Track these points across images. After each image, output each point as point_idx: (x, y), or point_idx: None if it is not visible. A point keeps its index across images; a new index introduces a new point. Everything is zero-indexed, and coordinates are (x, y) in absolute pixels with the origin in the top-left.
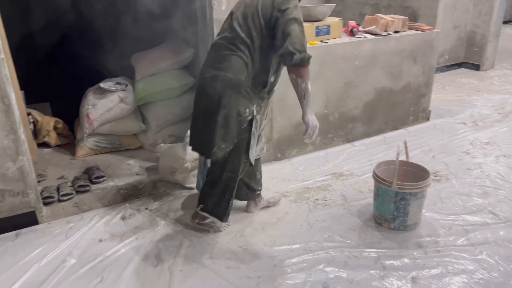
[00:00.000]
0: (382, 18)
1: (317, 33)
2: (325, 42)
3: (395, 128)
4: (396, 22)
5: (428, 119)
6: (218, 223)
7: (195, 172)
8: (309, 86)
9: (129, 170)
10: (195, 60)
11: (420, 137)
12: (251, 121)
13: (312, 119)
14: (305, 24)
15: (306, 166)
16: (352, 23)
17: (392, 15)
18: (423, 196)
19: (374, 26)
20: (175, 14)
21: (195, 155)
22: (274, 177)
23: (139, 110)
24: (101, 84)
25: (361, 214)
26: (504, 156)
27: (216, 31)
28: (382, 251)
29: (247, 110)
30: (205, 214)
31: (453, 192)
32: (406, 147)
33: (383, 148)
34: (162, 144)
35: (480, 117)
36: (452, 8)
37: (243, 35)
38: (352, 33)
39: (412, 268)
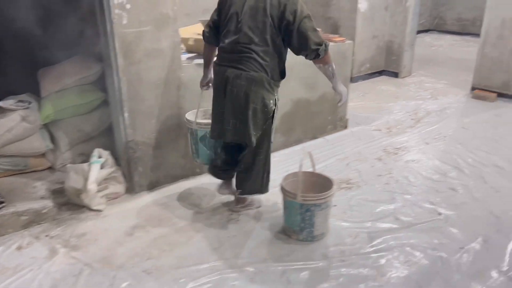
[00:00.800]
0: None
1: None
2: None
3: (314, 137)
4: None
5: (346, 127)
6: (256, 200)
7: (102, 193)
8: (334, 66)
9: (33, 194)
10: (104, 75)
11: (337, 145)
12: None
13: (343, 89)
14: None
15: None
16: None
17: None
18: (328, 206)
19: None
20: (81, 28)
21: (103, 174)
22: (191, 193)
23: (47, 128)
24: (0, 103)
25: (273, 227)
26: (413, 161)
27: (118, 45)
28: (288, 264)
29: (271, 101)
30: (244, 196)
31: (363, 199)
32: (311, 158)
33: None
34: (69, 165)
35: (394, 123)
36: (369, 19)
37: (256, 39)
38: None
39: (315, 280)
